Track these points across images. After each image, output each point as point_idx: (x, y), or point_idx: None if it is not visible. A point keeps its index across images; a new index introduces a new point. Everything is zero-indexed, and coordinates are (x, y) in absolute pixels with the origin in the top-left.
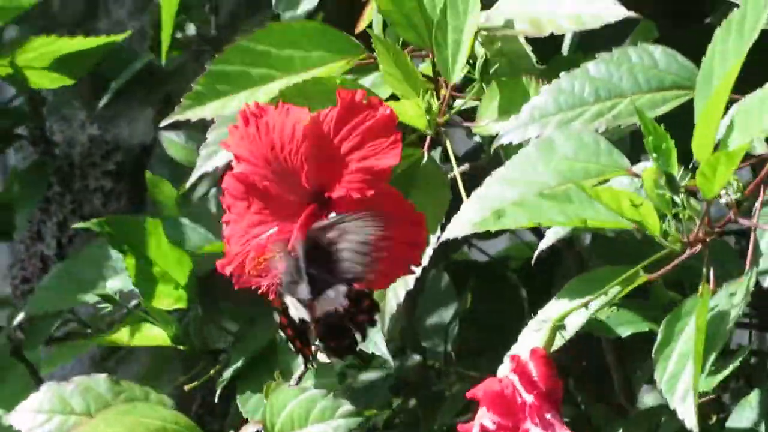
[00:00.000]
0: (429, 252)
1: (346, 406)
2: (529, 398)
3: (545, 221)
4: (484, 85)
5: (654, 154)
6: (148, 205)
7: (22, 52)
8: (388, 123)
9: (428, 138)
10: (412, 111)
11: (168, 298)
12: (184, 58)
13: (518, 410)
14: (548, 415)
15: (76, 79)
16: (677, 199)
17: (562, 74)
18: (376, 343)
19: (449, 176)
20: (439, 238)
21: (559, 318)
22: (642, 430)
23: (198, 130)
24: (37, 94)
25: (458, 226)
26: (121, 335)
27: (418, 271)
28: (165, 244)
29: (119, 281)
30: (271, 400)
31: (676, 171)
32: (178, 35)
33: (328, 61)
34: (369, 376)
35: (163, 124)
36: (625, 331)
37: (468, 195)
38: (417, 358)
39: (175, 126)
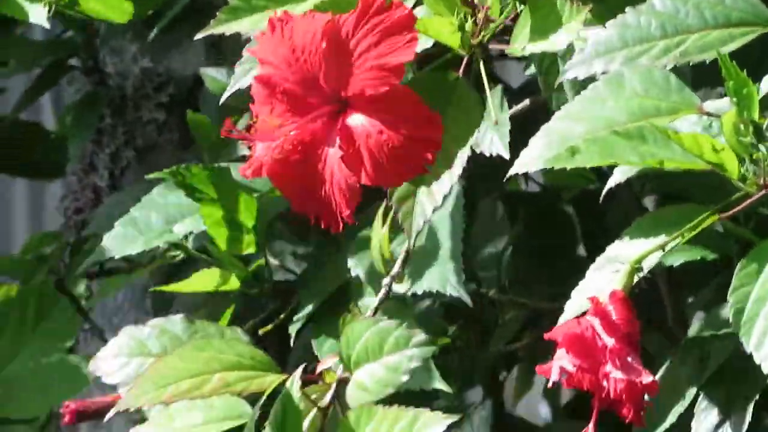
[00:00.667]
0: (457, 171)
1: (420, 336)
2: (609, 341)
3: (619, 160)
4: (518, 6)
5: (734, 99)
6: None
7: None
8: (405, 22)
9: (464, 59)
10: (446, 29)
11: (238, 243)
12: None
13: (598, 353)
14: (629, 359)
15: (143, 15)
16: (762, 147)
17: (627, 9)
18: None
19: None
20: (467, 157)
21: (636, 260)
22: (693, 358)
23: None
24: (90, 26)
25: (530, 162)
26: (194, 281)
27: (442, 183)
28: (233, 190)
29: (184, 226)
30: (346, 332)
31: (758, 117)
32: None
33: None
34: (423, 304)
35: (197, 37)
36: (677, 260)
37: (525, 130)
38: (471, 286)
39: (218, 63)
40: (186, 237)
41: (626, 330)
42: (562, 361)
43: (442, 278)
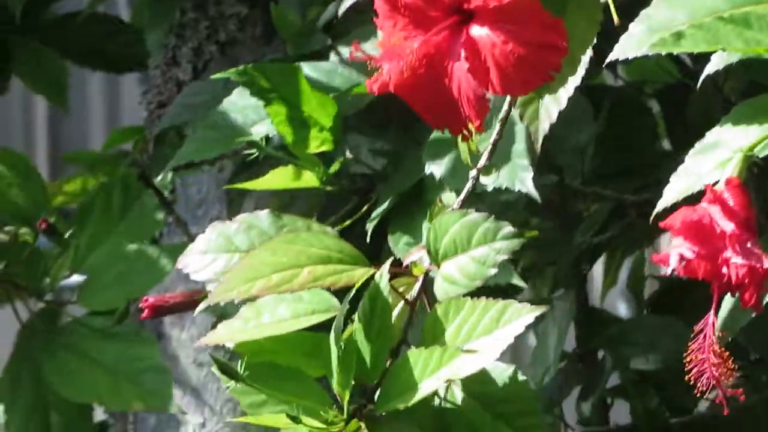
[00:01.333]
0: (581, 73)
1: (508, 228)
2: (728, 227)
3: (725, 46)
4: None
5: None
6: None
7: None
8: None
9: None
10: None
11: (314, 141)
12: None
13: (717, 239)
14: (749, 244)
15: None
16: None
17: None
18: (523, 179)
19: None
20: (591, 57)
21: (750, 148)
22: None
23: None
24: None
25: (630, 48)
26: (271, 178)
27: (568, 87)
28: (308, 89)
29: (264, 127)
30: (434, 225)
31: None
32: None
33: None
34: (505, 196)
35: None
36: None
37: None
38: (552, 178)
39: None
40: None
41: (744, 216)
42: (681, 248)
43: (512, 174)
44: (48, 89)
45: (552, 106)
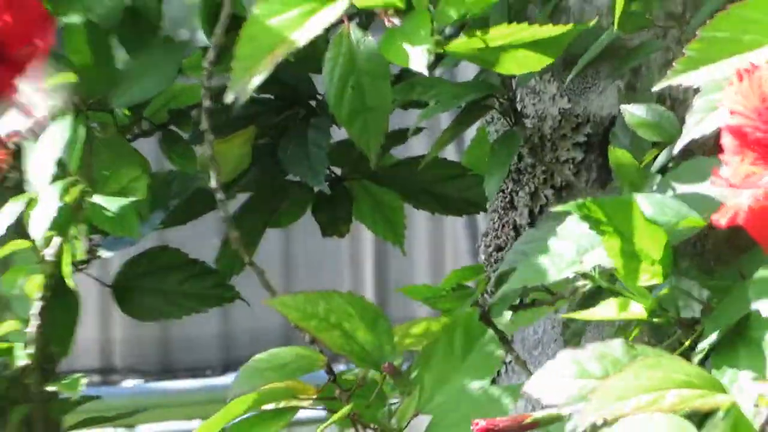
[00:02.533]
0: None
1: None
2: None
3: None
4: None
5: None
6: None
7: (496, 36)
8: None
9: None
10: None
11: (645, 274)
12: (650, 33)
13: None
14: None
15: (552, 59)
16: None
17: None
18: None
19: None
20: None
21: None
22: None
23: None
24: None
25: None
26: (600, 310)
27: None
28: (642, 222)
29: (594, 256)
30: None
31: None
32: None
33: None
34: None
35: (656, 87)
36: None
37: None
38: None
39: (634, 99)
40: (595, 268)
41: None
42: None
43: None
44: (385, 229)
45: None
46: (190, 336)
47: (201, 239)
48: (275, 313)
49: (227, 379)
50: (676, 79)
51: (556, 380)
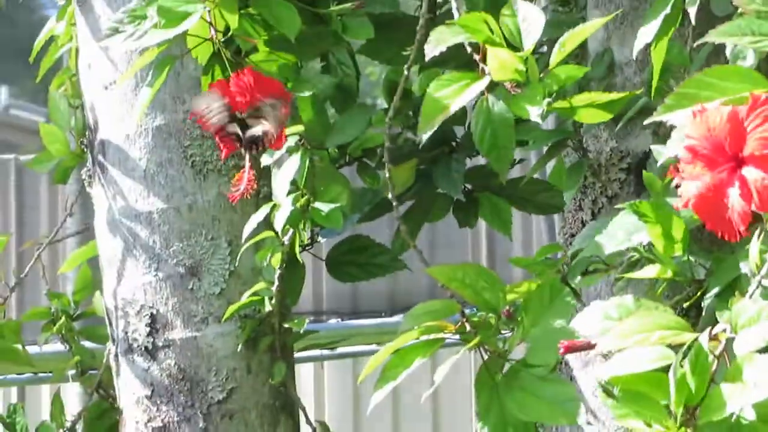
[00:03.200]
0: None
1: None
2: None
3: None
4: None
5: None
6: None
7: (578, 100)
8: None
9: None
10: None
11: (671, 248)
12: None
13: None
14: None
15: (611, 116)
16: None
17: None
18: None
19: None
20: None
21: None
22: None
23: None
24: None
25: None
26: (644, 272)
27: None
28: (671, 215)
29: (639, 236)
30: (734, 308)
31: None
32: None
33: (748, 90)
34: None
35: (647, 121)
36: None
37: None
38: None
39: (658, 141)
40: (641, 244)
41: None
42: None
43: None
44: (500, 224)
45: None
46: (370, 290)
47: (377, 231)
48: (424, 278)
49: (394, 319)
50: (660, 117)
51: (589, 320)
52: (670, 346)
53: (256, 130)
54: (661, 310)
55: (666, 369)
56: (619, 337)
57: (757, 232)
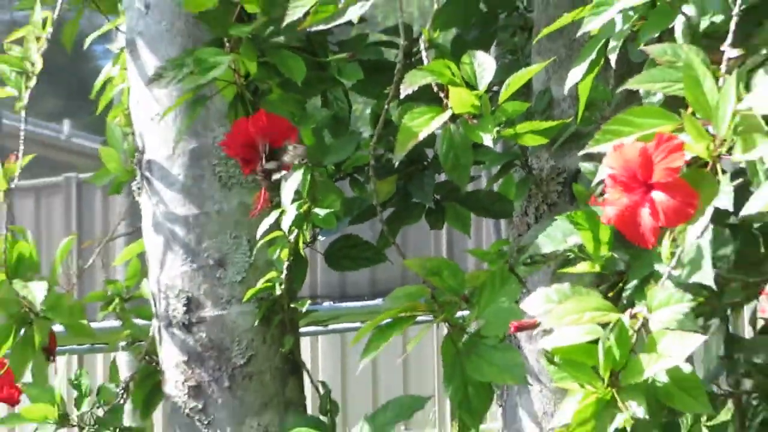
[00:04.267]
0: (707, 219)
1: (689, 297)
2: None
3: None
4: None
5: None
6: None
7: (521, 127)
8: (678, 146)
9: (710, 163)
10: (700, 148)
11: (599, 248)
12: (596, 125)
13: None
14: None
15: (548, 140)
16: None
17: None
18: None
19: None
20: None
21: None
22: None
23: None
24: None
25: (757, 205)
26: (579, 266)
27: (699, 223)
28: (599, 222)
29: (575, 238)
30: (650, 294)
31: None
32: None
33: (663, 125)
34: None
35: (581, 153)
36: None
37: None
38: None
39: (587, 159)
40: (575, 245)
41: None
42: None
43: (694, 270)
44: (461, 226)
45: (692, 233)
46: (355, 279)
47: (362, 231)
48: (397, 269)
49: (375, 302)
50: (592, 149)
51: (535, 303)
52: (599, 324)
53: (272, 164)
54: (592, 295)
55: (595, 342)
56: (559, 316)
57: (667, 234)
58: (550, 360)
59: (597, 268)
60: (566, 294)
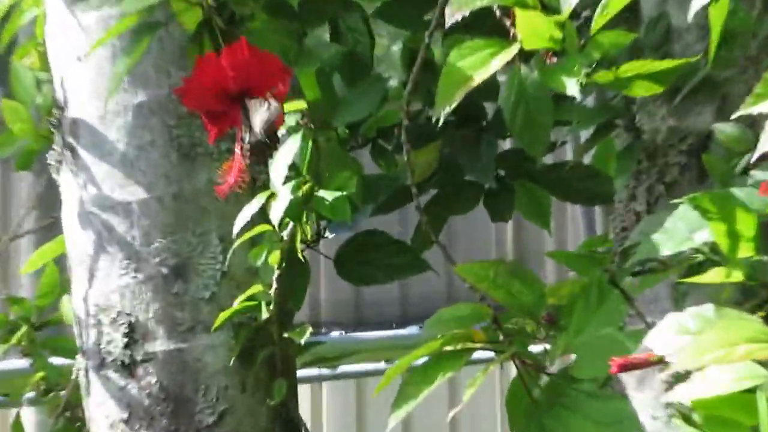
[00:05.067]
0: None
1: None
2: None
3: None
4: None
5: None
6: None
7: (625, 70)
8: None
9: None
10: None
11: (741, 249)
12: (734, 71)
13: None
14: None
15: (664, 87)
16: None
17: None
18: None
19: None
20: None
21: None
22: None
23: (744, 123)
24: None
25: None
26: (709, 275)
27: None
28: (738, 209)
29: (704, 234)
30: None
31: None
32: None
33: None
34: None
35: (734, 116)
36: None
37: None
38: None
39: (723, 119)
40: (705, 243)
41: None
42: None
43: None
44: (536, 216)
45: None
46: (377, 298)
47: (387, 226)
48: (441, 280)
49: (406, 331)
50: (750, 109)
51: (663, 336)
52: (759, 362)
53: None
54: (747, 320)
55: (754, 390)
56: (698, 351)
57: None
58: (687, 419)
59: (738, 276)
60: (709, 320)
